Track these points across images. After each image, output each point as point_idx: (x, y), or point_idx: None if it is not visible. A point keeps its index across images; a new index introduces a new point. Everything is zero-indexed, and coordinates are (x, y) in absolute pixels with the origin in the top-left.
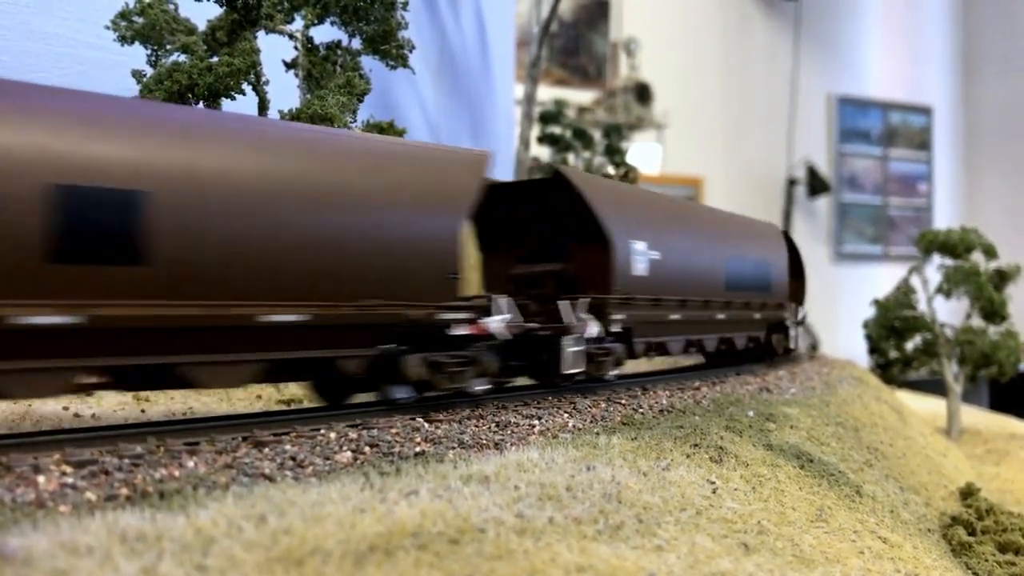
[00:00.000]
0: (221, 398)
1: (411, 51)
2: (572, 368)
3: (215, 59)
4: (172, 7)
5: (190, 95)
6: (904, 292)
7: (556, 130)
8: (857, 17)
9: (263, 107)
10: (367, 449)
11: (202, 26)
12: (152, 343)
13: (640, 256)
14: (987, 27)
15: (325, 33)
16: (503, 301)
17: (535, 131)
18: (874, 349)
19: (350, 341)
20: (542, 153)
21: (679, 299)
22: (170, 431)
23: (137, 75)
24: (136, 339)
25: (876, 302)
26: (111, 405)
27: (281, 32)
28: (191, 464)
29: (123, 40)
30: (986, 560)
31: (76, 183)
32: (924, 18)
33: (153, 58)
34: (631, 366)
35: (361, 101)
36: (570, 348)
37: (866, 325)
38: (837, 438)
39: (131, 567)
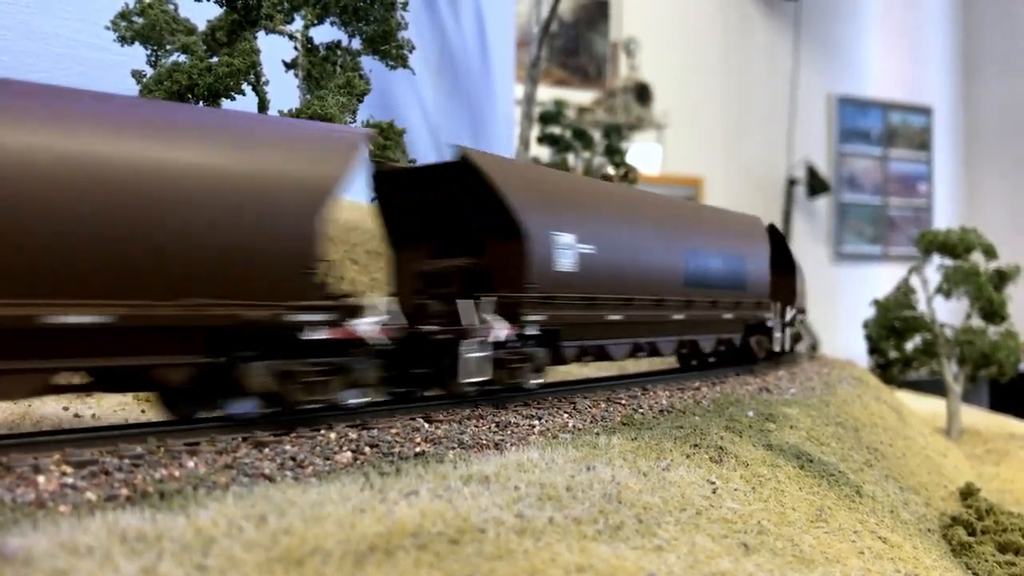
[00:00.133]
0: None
1: (411, 51)
2: (474, 376)
3: (215, 59)
4: (172, 7)
5: (190, 95)
6: (904, 292)
7: (556, 130)
8: (857, 17)
9: (263, 107)
10: (367, 449)
11: (202, 26)
12: None
13: (566, 250)
14: (987, 27)
15: (325, 33)
16: (381, 300)
17: (535, 131)
18: (874, 349)
19: (172, 347)
20: (542, 153)
21: (620, 298)
22: (170, 431)
23: (137, 75)
24: None
25: (876, 302)
26: (111, 405)
27: (281, 32)
28: (191, 464)
29: (123, 40)
30: (986, 560)
31: None
32: (924, 18)
33: (153, 58)
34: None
35: (361, 101)
36: (471, 354)
37: (866, 325)
38: (837, 438)
39: (131, 567)
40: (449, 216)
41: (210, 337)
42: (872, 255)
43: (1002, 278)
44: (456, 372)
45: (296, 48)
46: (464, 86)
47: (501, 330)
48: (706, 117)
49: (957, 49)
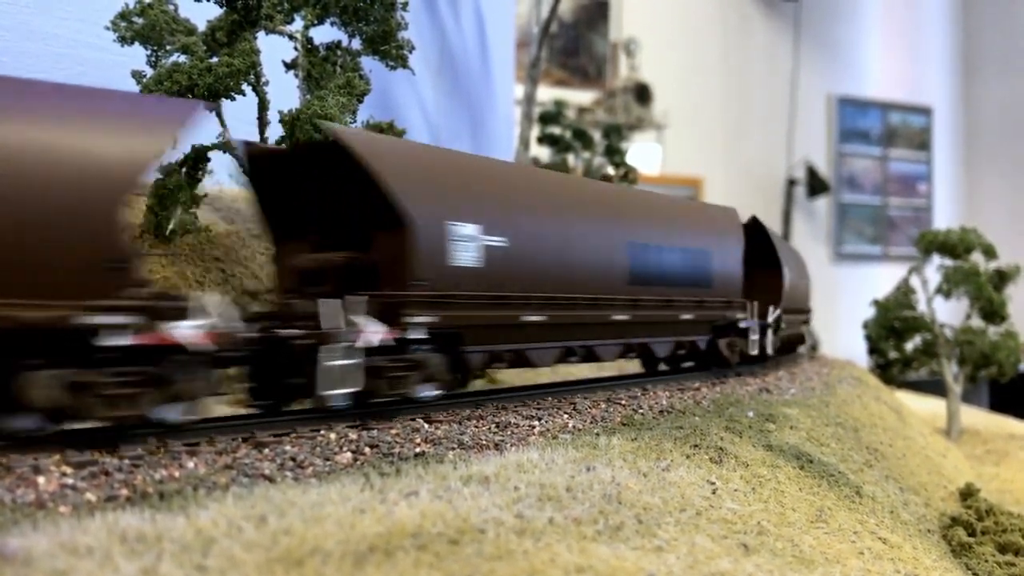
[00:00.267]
0: (221, 399)
1: (411, 52)
2: (338, 387)
3: (215, 60)
4: (172, 8)
5: (190, 95)
6: (904, 292)
7: (556, 131)
8: (857, 17)
9: (263, 107)
10: (367, 450)
11: (202, 27)
12: None
13: (467, 242)
14: (987, 27)
15: (325, 34)
16: (212, 300)
17: (535, 132)
18: (874, 349)
19: None
20: (542, 153)
21: (542, 297)
22: (170, 431)
23: (137, 76)
24: None
25: (876, 302)
26: None
27: (281, 33)
28: (191, 465)
29: (123, 41)
30: (986, 561)
31: None
32: (924, 18)
33: (153, 59)
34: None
35: (361, 101)
36: (334, 361)
37: (866, 325)
38: (837, 439)
39: (131, 567)
40: (332, 204)
41: None
42: (872, 255)
43: (1002, 278)
44: (314, 382)
45: (296, 48)
46: (464, 86)
47: (373, 334)
48: (706, 117)
49: (957, 49)
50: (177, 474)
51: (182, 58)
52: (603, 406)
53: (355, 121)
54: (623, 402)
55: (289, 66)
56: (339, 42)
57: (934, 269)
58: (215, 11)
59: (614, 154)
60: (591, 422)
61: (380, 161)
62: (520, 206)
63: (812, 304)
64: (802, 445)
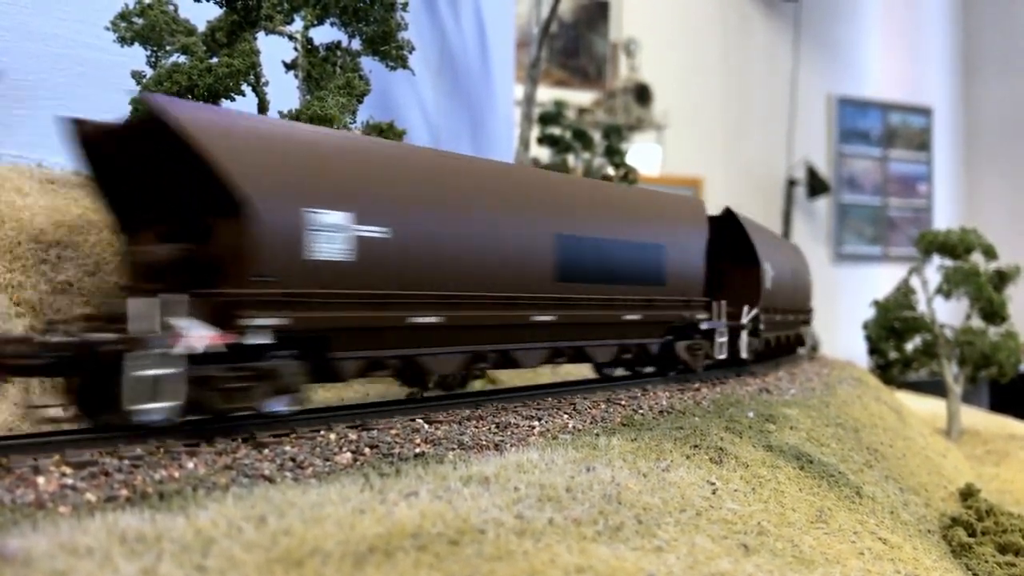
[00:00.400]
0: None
1: (411, 52)
2: (149, 401)
3: (215, 60)
4: (172, 8)
5: (190, 96)
6: (904, 293)
7: (556, 131)
8: (857, 18)
9: (263, 108)
10: (367, 450)
11: (202, 27)
12: None
13: (332, 233)
14: (987, 27)
15: (325, 34)
16: None
17: (535, 132)
18: (874, 350)
19: None
20: (542, 154)
21: (437, 296)
22: (170, 432)
23: (137, 76)
24: None
25: (876, 303)
26: None
27: (281, 33)
28: (191, 465)
29: (123, 41)
30: (986, 561)
31: None
32: (924, 18)
33: (153, 59)
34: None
35: (361, 102)
36: (142, 371)
37: (866, 326)
38: (837, 439)
39: (131, 568)
40: (172, 188)
41: None
42: (872, 256)
43: (1002, 279)
44: (118, 396)
45: (296, 49)
46: (464, 87)
47: (196, 339)
48: (706, 118)
49: (957, 49)
50: (177, 474)
51: (182, 58)
52: (603, 406)
53: (355, 122)
54: (623, 402)
55: (289, 66)
56: (339, 42)
57: (934, 269)
58: (215, 11)
59: (614, 155)
60: (591, 422)
61: (211, 137)
62: (408, 192)
63: (812, 304)
64: (802, 445)
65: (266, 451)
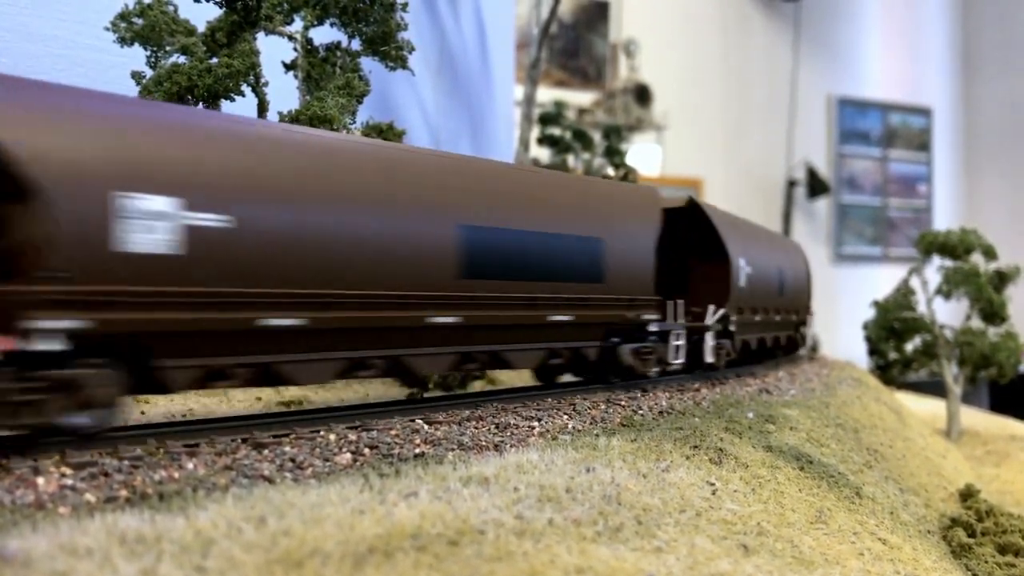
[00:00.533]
0: (221, 400)
1: (410, 52)
2: None
3: (214, 60)
4: (171, 8)
5: (189, 96)
6: (904, 293)
7: (556, 132)
8: (857, 18)
9: (263, 108)
10: (366, 451)
11: (201, 27)
12: None
13: (151, 221)
14: (987, 27)
15: (324, 34)
16: None
17: (535, 132)
18: (874, 350)
19: None
20: (542, 154)
21: (296, 294)
22: (169, 433)
23: (137, 76)
24: None
25: (876, 303)
26: None
27: (280, 33)
28: (190, 466)
29: (122, 41)
30: (986, 562)
31: None
32: (924, 19)
33: (152, 59)
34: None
35: (360, 102)
36: None
37: (866, 326)
38: (837, 439)
39: (130, 569)
40: None
41: None
42: (872, 256)
43: (1002, 279)
44: None
45: (296, 49)
46: (464, 87)
47: None
48: (706, 118)
49: (957, 50)
50: (176, 475)
51: (182, 59)
52: (603, 407)
53: (355, 122)
54: (623, 403)
55: (289, 67)
56: (339, 43)
57: (934, 270)
58: (215, 12)
59: (614, 155)
60: (591, 423)
61: None
62: (260, 176)
63: (810, 304)
64: (802, 446)
65: (266, 451)
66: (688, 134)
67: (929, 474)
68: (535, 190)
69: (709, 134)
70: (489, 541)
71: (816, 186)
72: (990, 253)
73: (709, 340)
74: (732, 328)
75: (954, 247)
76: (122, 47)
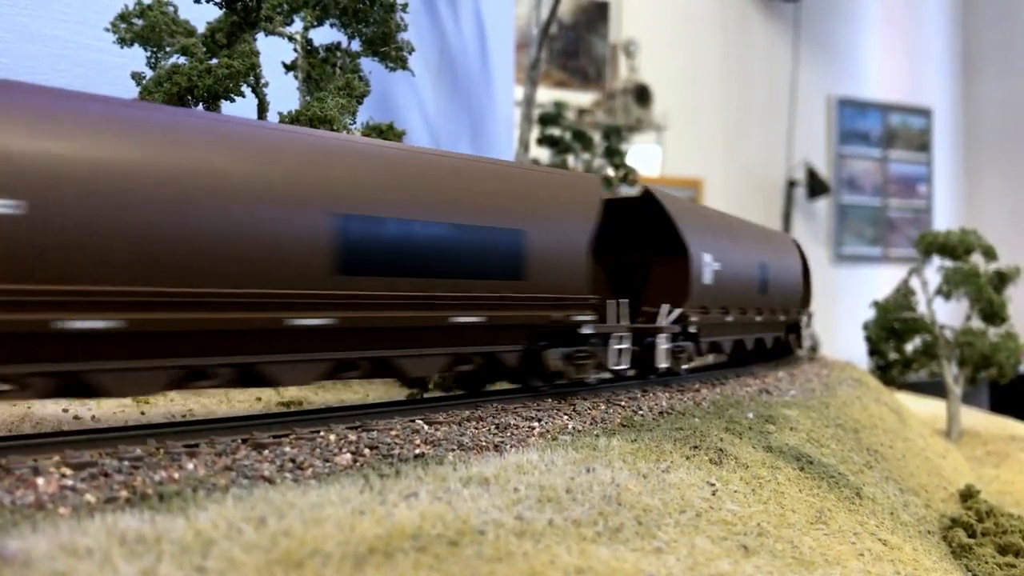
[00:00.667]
0: (221, 400)
1: (410, 53)
2: None
3: (214, 61)
4: (172, 9)
5: (189, 97)
6: (904, 294)
7: (555, 132)
8: (856, 19)
9: (263, 109)
10: (366, 451)
11: (201, 28)
12: None
13: None
14: (987, 28)
15: (324, 35)
16: None
17: (535, 133)
18: (874, 351)
19: None
20: (542, 155)
21: (107, 291)
22: (170, 433)
23: (136, 77)
24: None
25: (876, 304)
26: (111, 407)
27: (280, 34)
28: (191, 466)
29: (122, 42)
30: (986, 562)
31: None
32: (924, 19)
33: (152, 60)
34: None
35: (360, 103)
36: None
37: (866, 327)
38: (837, 440)
39: (130, 569)
40: None
41: None
42: (872, 256)
43: (1002, 279)
44: None
45: (296, 50)
46: (464, 88)
47: None
48: (706, 119)
49: (957, 50)
50: (176, 475)
51: (182, 60)
52: (603, 407)
53: (355, 123)
54: (623, 403)
55: (289, 68)
56: (339, 44)
57: (934, 270)
58: (215, 12)
59: (614, 156)
60: (591, 423)
61: None
62: (57, 155)
63: (802, 304)
64: (802, 446)
65: (266, 452)
66: (688, 134)
67: (929, 474)
68: (441, 176)
69: (709, 134)
70: (489, 541)
71: (816, 186)
72: (990, 253)
73: (662, 343)
74: (693, 329)
75: (954, 247)
76: (122, 48)
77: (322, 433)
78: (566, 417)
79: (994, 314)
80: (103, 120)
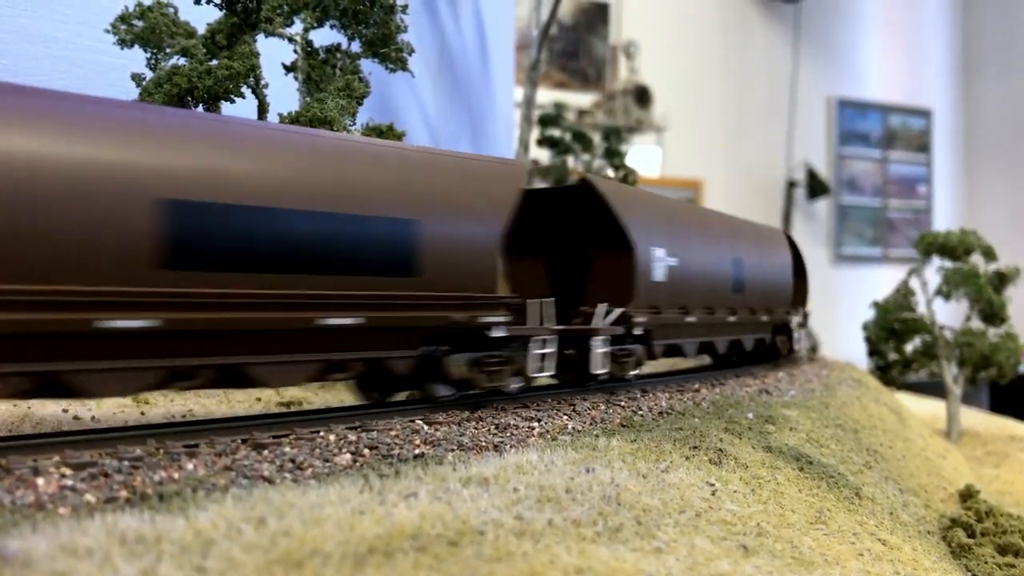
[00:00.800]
0: (221, 401)
1: (410, 54)
2: None
3: (214, 62)
4: (172, 11)
5: (189, 98)
6: (903, 294)
7: (555, 133)
8: (856, 20)
9: (263, 110)
10: (366, 451)
11: (201, 29)
12: None
13: None
14: (987, 28)
15: (324, 36)
16: None
17: (534, 134)
18: (873, 351)
19: None
20: (541, 156)
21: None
22: (169, 433)
23: (136, 78)
24: None
25: (875, 304)
26: (111, 407)
27: (281, 35)
28: (190, 466)
29: (123, 43)
30: (985, 562)
31: None
32: (923, 20)
33: (152, 61)
34: None
35: (360, 104)
36: None
37: (865, 327)
38: (836, 440)
39: (130, 569)
40: None
41: None
42: (872, 257)
43: (1002, 280)
44: None
45: (296, 51)
46: (464, 89)
47: None
48: (706, 120)
49: (957, 51)
50: (176, 475)
51: (181, 61)
52: (602, 407)
53: (355, 124)
54: (623, 403)
55: (289, 69)
56: (339, 45)
57: (934, 271)
58: (215, 14)
59: (614, 156)
60: (590, 423)
61: None
62: None
63: (797, 304)
64: (802, 447)
65: (265, 452)
66: (688, 135)
67: (929, 475)
68: (313, 159)
69: (709, 135)
70: (489, 542)
71: (816, 187)
72: (990, 254)
73: (598, 347)
74: (637, 331)
75: (954, 248)
76: (122, 49)
77: (322, 433)
78: (566, 417)
79: (994, 314)
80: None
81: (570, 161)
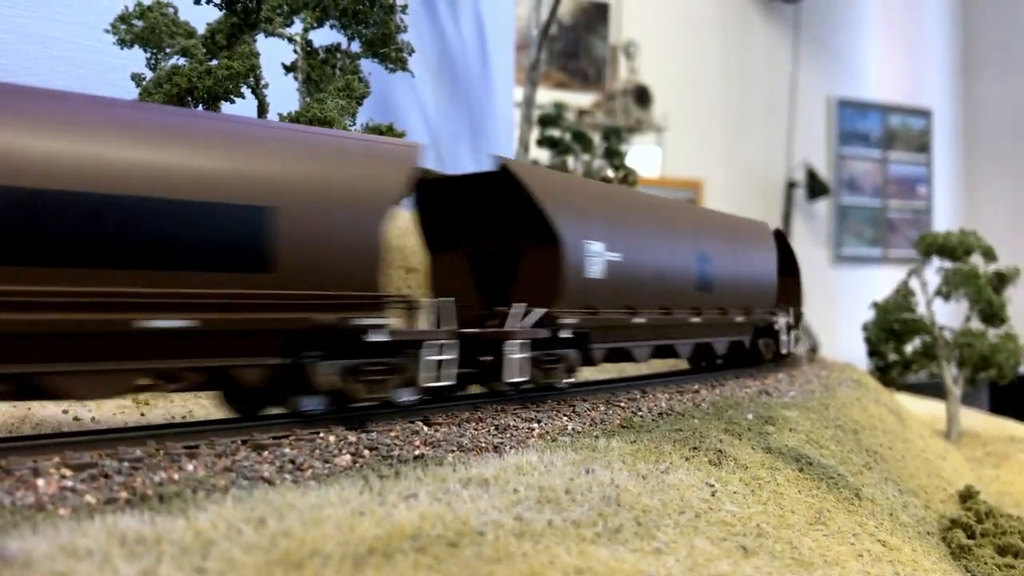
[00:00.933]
0: (221, 401)
1: (410, 54)
2: None
3: (214, 62)
4: (171, 11)
5: (189, 98)
6: (903, 295)
7: (555, 133)
8: (856, 20)
9: (262, 110)
10: (366, 452)
11: (201, 29)
12: None
13: None
14: (987, 28)
15: (324, 36)
16: None
17: (534, 134)
18: (873, 352)
19: None
20: (542, 156)
21: None
22: (170, 434)
23: (136, 78)
24: None
25: (875, 305)
26: (111, 408)
27: (280, 35)
28: (190, 467)
29: (123, 43)
30: (985, 563)
31: None
32: (923, 20)
33: (152, 61)
34: None
35: (360, 104)
36: None
37: (865, 328)
38: (836, 441)
39: (130, 570)
40: None
41: None
42: (872, 257)
43: (1001, 280)
44: None
45: (296, 51)
46: (464, 89)
47: None
48: (706, 120)
49: (957, 51)
50: (176, 476)
51: (181, 61)
52: (602, 408)
53: (355, 124)
54: (622, 404)
55: (289, 69)
56: (338, 45)
57: (934, 271)
58: (215, 14)
59: (614, 156)
60: (590, 424)
61: None
62: None
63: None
64: (801, 447)
65: (265, 453)
66: (688, 136)
67: (929, 475)
68: (134, 136)
69: (709, 136)
70: (488, 542)
71: (816, 187)
72: (989, 254)
73: (514, 352)
74: (565, 334)
75: (954, 248)
76: (122, 49)
77: (322, 434)
78: (565, 418)
79: (994, 315)
80: None
81: (570, 161)
